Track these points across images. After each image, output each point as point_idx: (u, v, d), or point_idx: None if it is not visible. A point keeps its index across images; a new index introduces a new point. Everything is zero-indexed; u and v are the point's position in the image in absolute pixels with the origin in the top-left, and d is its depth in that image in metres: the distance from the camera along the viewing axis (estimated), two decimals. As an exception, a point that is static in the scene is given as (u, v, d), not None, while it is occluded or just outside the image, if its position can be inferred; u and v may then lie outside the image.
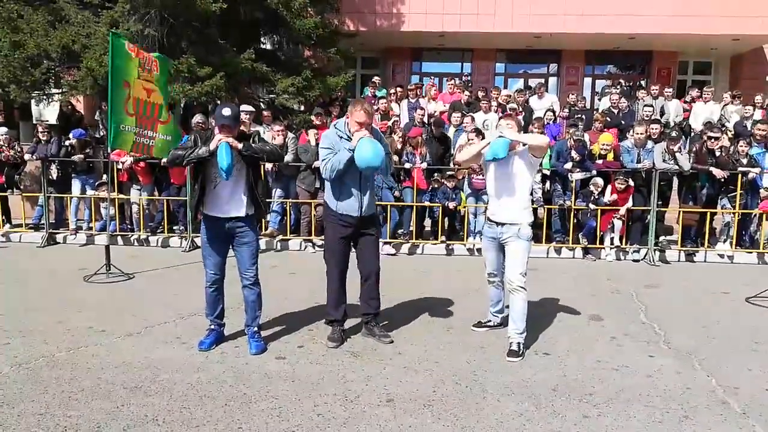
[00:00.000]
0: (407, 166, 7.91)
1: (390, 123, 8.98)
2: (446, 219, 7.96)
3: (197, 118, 8.18)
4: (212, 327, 4.21)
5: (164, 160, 6.17)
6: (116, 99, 5.86)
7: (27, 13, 9.29)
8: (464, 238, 7.85)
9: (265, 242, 7.79)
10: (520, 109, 10.17)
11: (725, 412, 3.25)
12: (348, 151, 3.96)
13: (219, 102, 9.67)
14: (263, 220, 7.99)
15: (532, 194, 7.39)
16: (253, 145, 3.92)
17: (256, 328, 4.15)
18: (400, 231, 7.92)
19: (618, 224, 7.62)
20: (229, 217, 3.96)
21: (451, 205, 7.73)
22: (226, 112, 3.82)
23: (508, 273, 4.14)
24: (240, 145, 3.82)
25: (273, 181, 8.01)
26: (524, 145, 4.11)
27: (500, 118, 4.38)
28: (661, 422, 3.13)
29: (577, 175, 7.61)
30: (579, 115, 9.99)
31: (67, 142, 8.10)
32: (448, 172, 7.93)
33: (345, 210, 4.16)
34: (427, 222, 8.23)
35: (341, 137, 4.10)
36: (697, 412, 3.24)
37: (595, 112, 10.27)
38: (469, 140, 8.19)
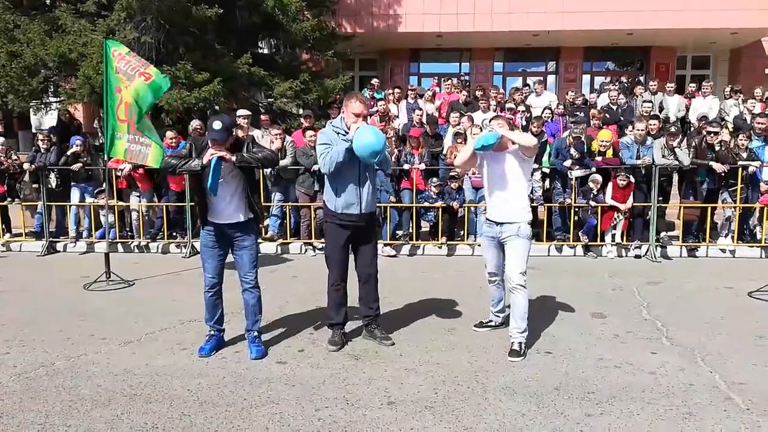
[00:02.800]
0: (406, 167, 7.90)
1: (392, 123, 8.98)
2: (446, 219, 7.91)
3: (194, 123, 8.19)
4: (212, 333, 4.20)
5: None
6: (111, 106, 5.83)
7: (23, 23, 9.31)
8: (464, 238, 7.82)
9: (265, 246, 7.79)
10: (522, 108, 10.14)
11: (729, 408, 3.22)
12: (347, 142, 3.96)
13: (217, 107, 9.69)
14: (262, 224, 7.99)
15: (532, 193, 7.44)
16: (245, 155, 3.90)
17: (256, 333, 4.15)
18: (399, 232, 7.90)
19: (620, 221, 7.59)
20: (228, 223, 3.98)
21: (455, 204, 7.68)
22: (217, 125, 3.77)
23: (508, 272, 4.12)
24: (233, 158, 3.83)
25: (272, 184, 8.00)
26: (514, 143, 4.07)
27: (491, 120, 4.39)
28: (664, 419, 3.11)
29: (576, 173, 7.59)
30: (578, 113, 9.96)
31: (69, 151, 8.09)
32: (451, 173, 7.91)
33: (345, 208, 4.11)
34: (425, 224, 8.20)
35: (338, 134, 4.08)
36: (700, 409, 3.22)
37: (591, 108, 10.22)
38: (457, 142, 8.20)
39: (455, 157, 8.04)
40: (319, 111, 10.40)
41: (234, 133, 3.99)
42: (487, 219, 4.30)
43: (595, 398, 3.36)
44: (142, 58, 6.18)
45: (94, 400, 3.37)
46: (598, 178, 7.56)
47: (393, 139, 8.06)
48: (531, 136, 4.43)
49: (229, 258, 4.14)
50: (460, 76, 14.09)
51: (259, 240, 7.53)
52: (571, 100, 10.67)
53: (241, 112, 8.30)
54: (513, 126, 4.51)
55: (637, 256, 7.49)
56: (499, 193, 4.12)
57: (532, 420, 3.12)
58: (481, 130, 8.43)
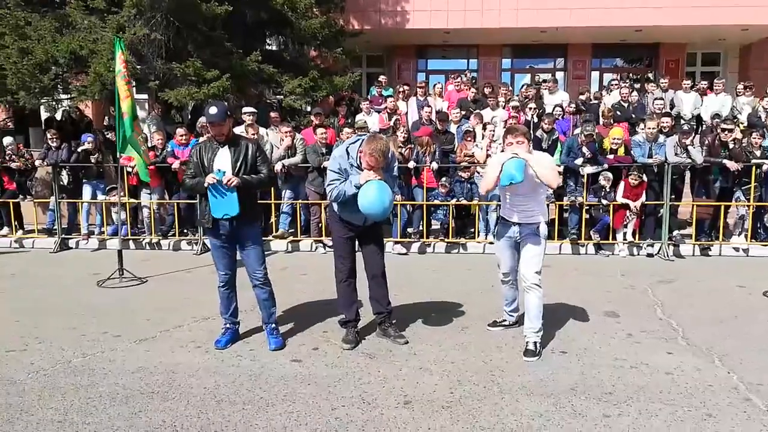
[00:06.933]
0: (416, 165, 7.87)
1: (392, 122, 8.94)
2: (459, 216, 7.89)
3: (202, 120, 8.19)
4: (227, 326, 4.28)
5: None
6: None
7: (34, 20, 9.33)
8: (475, 236, 7.80)
9: (275, 243, 7.81)
10: (533, 105, 10.06)
11: (749, 410, 3.20)
12: (354, 187, 3.95)
13: (226, 104, 9.67)
14: (271, 221, 8.01)
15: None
16: (245, 177, 3.99)
17: (273, 325, 4.25)
18: (410, 230, 7.89)
19: (631, 219, 7.55)
20: (228, 218, 4.00)
21: (465, 201, 7.65)
22: (212, 110, 3.94)
23: (522, 271, 4.10)
24: (237, 181, 3.92)
25: (282, 182, 7.99)
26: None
27: (506, 133, 4.13)
28: (683, 421, 3.09)
29: (588, 170, 7.53)
30: (590, 111, 9.90)
31: (80, 148, 8.12)
32: (462, 163, 7.90)
33: (347, 218, 4.21)
34: (435, 222, 8.19)
35: (352, 165, 4.05)
36: (719, 410, 3.20)
37: (603, 104, 10.15)
38: (466, 140, 8.17)
39: (463, 155, 8.11)
40: (320, 108, 10.38)
41: (230, 119, 4.10)
42: (503, 220, 4.27)
43: (613, 399, 3.35)
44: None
45: (111, 398, 3.39)
46: (609, 175, 7.52)
47: (403, 138, 8.02)
48: (553, 173, 4.05)
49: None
50: (466, 73, 14.03)
51: (270, 237, 7.67)
52: (584, 99, 10.60)
53: (246, 109, 8.31)
54: (530, 137, 4.21)
55: (650, 255, 7.44)
56: (518, 194, 4.07)
57: (549, 420, 3.11)
58: (490, 131, 8.46)
